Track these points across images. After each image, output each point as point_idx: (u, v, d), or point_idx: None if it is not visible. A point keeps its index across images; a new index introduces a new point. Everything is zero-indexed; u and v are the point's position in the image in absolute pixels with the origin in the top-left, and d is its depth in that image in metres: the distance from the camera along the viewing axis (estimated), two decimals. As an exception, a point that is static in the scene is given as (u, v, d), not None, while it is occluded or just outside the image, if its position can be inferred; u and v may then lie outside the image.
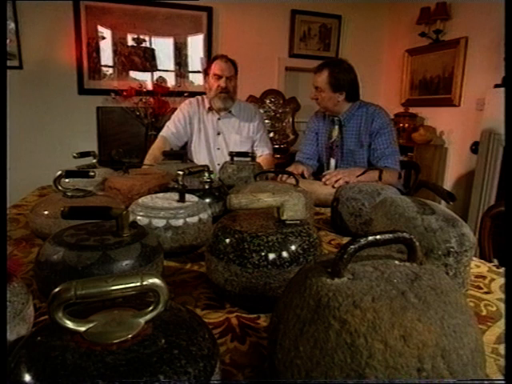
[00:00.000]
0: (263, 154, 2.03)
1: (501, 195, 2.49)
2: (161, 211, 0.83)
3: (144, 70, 3.06)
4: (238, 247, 0.60)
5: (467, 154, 2.96)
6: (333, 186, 1.39)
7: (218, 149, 2.02)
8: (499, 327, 0.59)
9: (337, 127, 1.77)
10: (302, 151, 1.91)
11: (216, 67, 1.89)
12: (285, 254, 0.60)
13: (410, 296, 0.36)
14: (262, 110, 3.15)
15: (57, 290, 0.34)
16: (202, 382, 0.34)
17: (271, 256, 0.59)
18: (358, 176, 1.31)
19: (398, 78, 3.66)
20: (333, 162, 1.82)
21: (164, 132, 2.00)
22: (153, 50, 3.07)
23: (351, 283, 0.38)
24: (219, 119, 2.01)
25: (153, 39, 3.15)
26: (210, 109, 1.99)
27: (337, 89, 1.66)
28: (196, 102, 2.04)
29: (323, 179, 1.45)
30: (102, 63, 3.05)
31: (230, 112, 2.00)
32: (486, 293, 0.72)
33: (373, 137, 1.69)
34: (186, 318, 0.40)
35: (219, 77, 1.89)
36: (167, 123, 2.04)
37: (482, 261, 0.90)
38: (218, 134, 2.02)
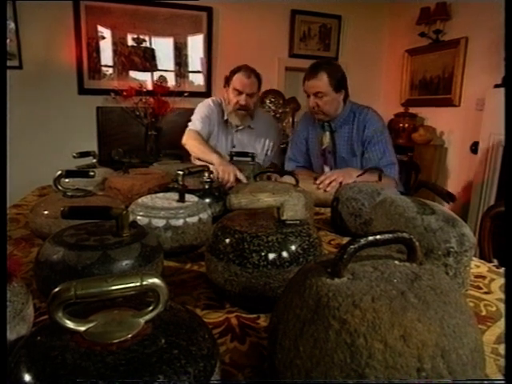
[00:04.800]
0: (270, 165, 1.93)
1: (501, 195, 2.48)
2: (161, 211, 0.83)
3: (144, 70, 3.06)
4: (238, 247, 0.60)
5: (467, 154, 2.96)
6: (325, 190, 1.35)
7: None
8: (499, 327, 0.59)
9: (327, 133, 1.67)
10: (293, 159, 1.81)
11: (237, 82, 1.75)
12: (285, 253, 0.60)
13: (409, 296, 0.36)
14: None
15: (57, 289, 0.34)
16: (202, 382, 0.34)
17: (271, 256, 0.59)
18: (357, 176, 1.31)
19: (397, 78, 3.66)
20: (327, 169, 1.72)
21: (197, 127, 1.82)
22: (153, 50, 3.07)
23: (351, 283, 0.38)
24: (236, 131, 1.91)
25: (153, 39, 3.14)
26: (227, 121, 1.89)
27: (338, 88, 1.57)
28: (216, 108, 1.90)
29: (317, 181, 1.39)
30: (102, 63, 3.04)
31: (248, 126, 1.91)
32: (486, 293, 0.72)
33: (365, 145, 1.58)
34: (185, 317, 0.40)
35: (239, 92, 1.76)
36: (194, 118, 1.88)
37: (482, 261, 0.90)
38: (233, 147, 1.91)
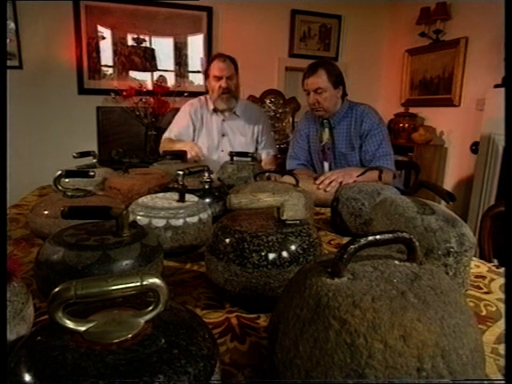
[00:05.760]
0: (268, 155, 2.03)
1: (501, 195, 2.48)
2: (161, 211, 0.83)
3: (144, 69, 3.06)
4: (238, 247, 0.60)
5: (467, 154, 2.95)
6: (325, 191, 1.36)
7: (222, 151, 1.99)
8: (499, 327, 0.59)
9: (327, 130, 1.74)
10: (295, 157, 1.86)
11: (215, 68, 1.88)
12: (285, 253, 0.60)
13: (409, 296, 0.36)
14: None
15: (57, 289, 0.34)
16: (202, 382, 0.34)
17: (271, 256, 0.59)
18: (358, 176, 1.31)
19: (398, 78, 3.66)
20: (326, 165, 1.79)
21: (167, 136, 2.01)
22: (153, 50, 3.07)
23: (351, 283, 0.38)
24: (224, 120, 2.00)
25: (153, 39, 3.14)
26: (215, 110, 1.98)
27: (336, 85, 1.66)
28: (199, 103, 2.03)
29: (317, 181, 1.41)
30: (102, 63, 3.04)
31: (234, 113, 1.99)
32: (486, 293, 0.72)
33: (363, 138, 1.65)
34: (185, 317, 0.40)
35: (219, 78, 1.88)
36: (170, 127, 2.05)
37: (482, 261, 0.90)
38: (223, 135, 2.00)
